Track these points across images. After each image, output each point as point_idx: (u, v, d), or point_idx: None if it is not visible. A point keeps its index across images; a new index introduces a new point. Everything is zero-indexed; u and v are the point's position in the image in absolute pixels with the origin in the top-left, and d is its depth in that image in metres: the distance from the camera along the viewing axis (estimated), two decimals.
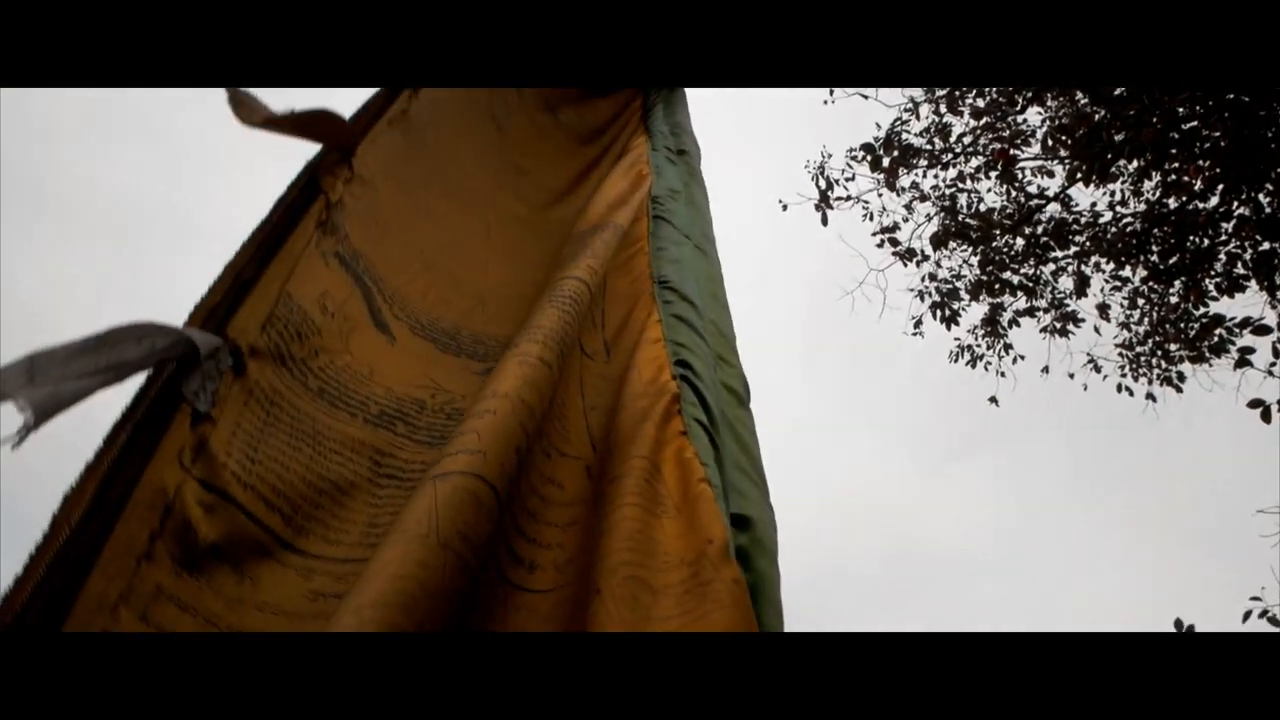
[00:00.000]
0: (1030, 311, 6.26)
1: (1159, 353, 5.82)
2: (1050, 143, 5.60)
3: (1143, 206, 5.45)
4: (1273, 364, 4.45)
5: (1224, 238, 4.91)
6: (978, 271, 6.17)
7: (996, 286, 6.11)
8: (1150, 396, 5.87)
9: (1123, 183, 5.58)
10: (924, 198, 6.40)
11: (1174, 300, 5.57)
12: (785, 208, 6.45)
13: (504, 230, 1.47)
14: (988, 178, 6.13)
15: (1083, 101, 5.06)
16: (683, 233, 1.43)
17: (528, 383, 0.82)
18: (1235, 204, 4.73)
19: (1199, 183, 4.74)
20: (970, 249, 6.16)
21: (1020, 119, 5.90)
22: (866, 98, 6.25)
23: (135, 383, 0.73)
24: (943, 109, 6.15)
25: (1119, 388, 5.99)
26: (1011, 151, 5.80)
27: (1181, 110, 4.43)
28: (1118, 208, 5.64)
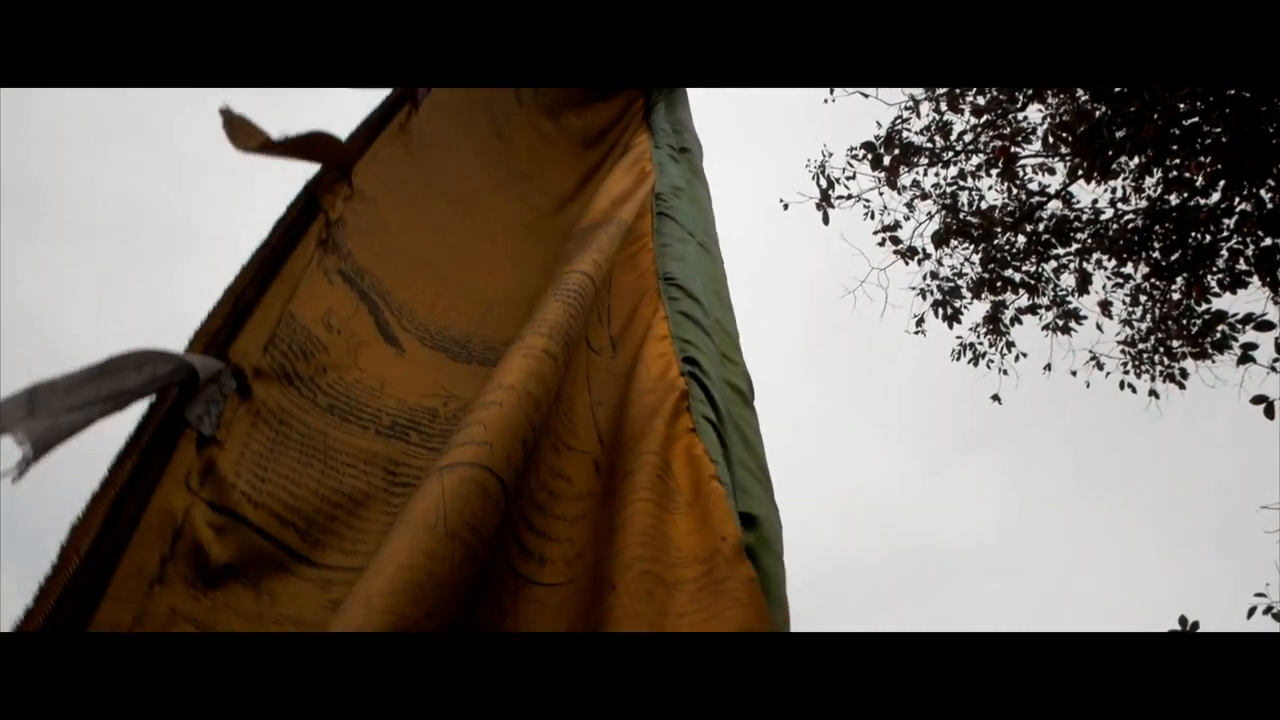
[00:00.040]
0: (1032, 309, 6.26)
1: (1161, 349, 5.81)
2: (1051, 140, 5.60)
3: (1144, 203, 5.44)
4: (1275, 360, 4.45)
5: (1226, 234, 4.91)
6: (979, 269, 6.17)
7: (998, 284, 6.11)
8: (1153, 393, 5.87)
9: (1124, 179, 5.58)
10: (925, 196, 6.40)
11: (1176, 297, 5.57)
12: (786, 207, 6.46)
13: (510, 237, 1.48)
14: (989, 175, 6.13)
15: (1083, 98, 5.05)
16: (687, 230, 1.43)
17: (533, 375, 0.82)
18: (1237, 200, 4.72)
19: (1200, 179, 4.74)
20: (972, 247, 6.16)
21: (1021, 116, 5.90)
22: (867, 96, 6.26)
23: (139, 409, 0.74)
24: (943, 107, 6.15)
25: (1121, 385, 5.99)
26: (1012, 149, 5.80)
27: (1182, 106, 4.43)
28: (1119, 204, 5.64)
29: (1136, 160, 5.09)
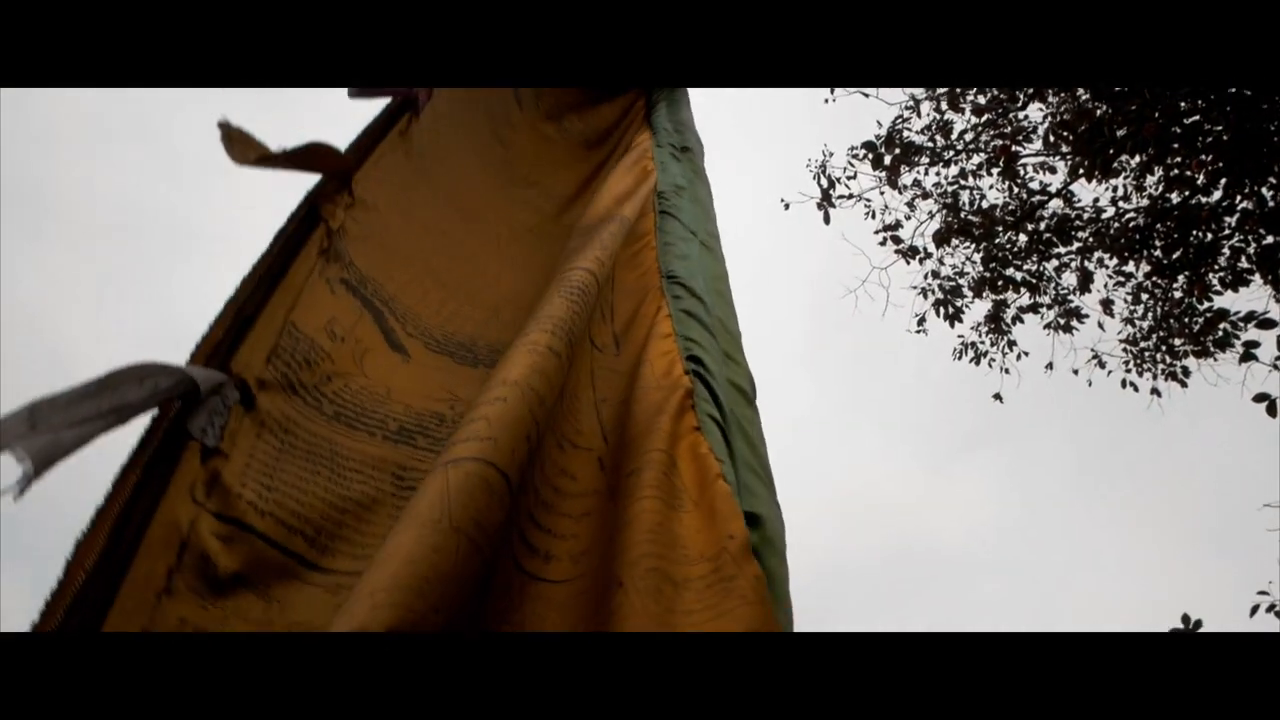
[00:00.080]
0: (1034, 308, 6.26)
1: (1163, 348, 5.80)
2: (1052, 139, 5.60)
3: (1145, 201, 5.44)
4: (1278, 358, 4.44)
5: (1227, 232, 4.90)
6: (980, 268, 6.17)
7: (999, 283, 6.11)
8: (1155, 392, 5.86)
9: (1125, 178, 5.57)
10: (926, 195, 6.40)
11: (1178, 295, 5.56)
12: (787, 207, 6.46)
13: (515, 241, 1.48)
14: (989, 174, 6.13)
15: (1084, 97, 5.05)
16: (689, 229, 1.43)
17: (537, 371, 0.82)
18: (1238, 198, 4.72)
19: (1202, 177, 4.73)
20: (973, 246, 6.16)
21: (1021, 115, 5.90)
22: (867, 96, 6.26)
23: (142, 423, 0.74)
24: (944, 106, 6.15)
25: (1123, 383, 5.98)
26: (1013, 148, 5.80)
27: (1183, 105, 4.43)
28: (1120, 203, 5.63)
29: (1137, 159, 5.08)
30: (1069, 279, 6.13)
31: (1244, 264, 4.91)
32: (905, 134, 6.25)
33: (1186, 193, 4.92)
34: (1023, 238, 6.02)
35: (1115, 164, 5.09)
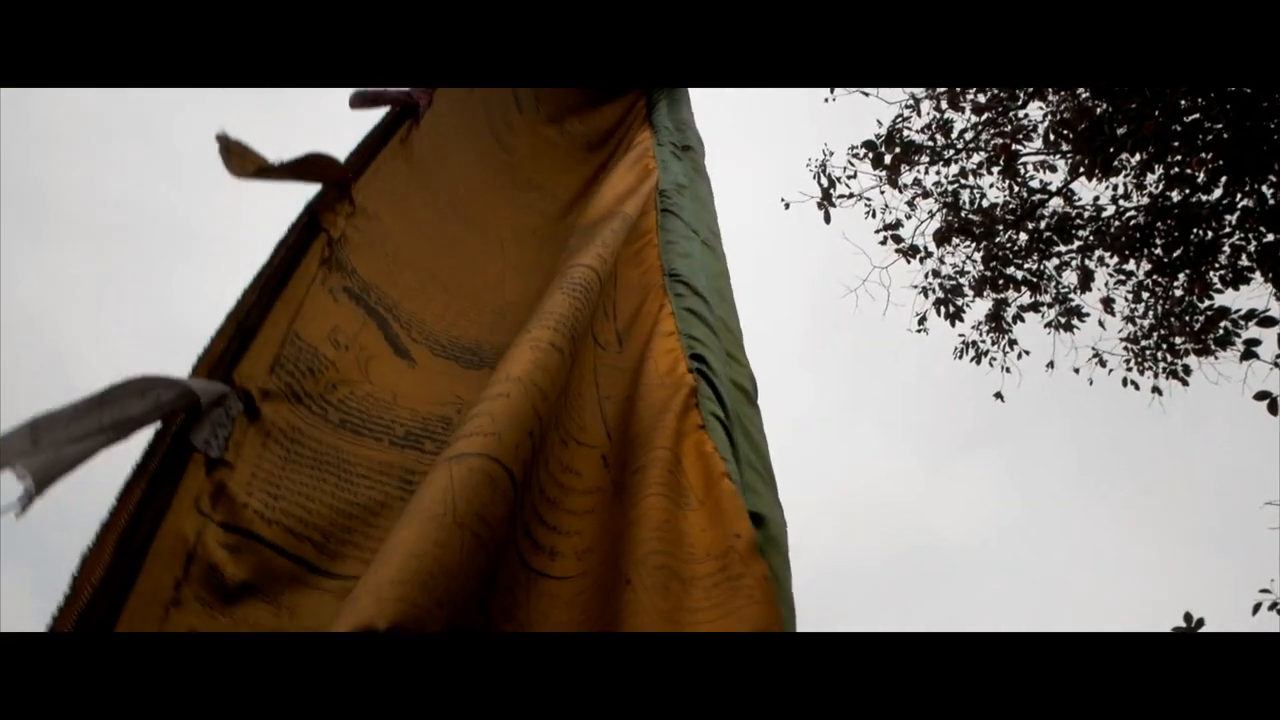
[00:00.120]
0: (1034, 307, 6.26)
1: (1164, 346, 5.80)
2: (1052, 137, 5.60)
3: (1146, 200, 5.43)
4: (1279, 356, 4.44)
5: (1228, 230, 4.90)
6: (981, 267, 6.17)
7: (1000, 282, 6.11)
8: (1156, 390, 5.86)
9: (1125, 176, 5.57)
10: (926, 194, 6.40)
11: (1178, 293, 5.56)
12: (788, 206, 6.46)
13: (519, 245, 1.49)
14: (990, 173, 6.13)
15: (1084, 95, 5.05)
16: (691, 227, 1.43)
17: (540, 367, 0.82)
18: (1239, 196, 4.71)
19: (1202, 175, 4.73)
20: (973, 245, 6.16)
21: (1022, 114, 5.90)
22: (867, 95, 6.25)
23: (145, 436, 0.74)
24: (944, 105, 6.15)
25: (1124, 382, 5.98)
26: (1013, 147, 5.80)
27: (1183, 103, 4.43)
28: (1120, 201, 5.63)
29: (1138, 157, 5.08)
30: (1070, 277, 6.14)
31: (1245, 262, 4.91)
32: (905, 133, 6.25)
33: (1187, 191, 4.92)
34: (1023, 236, 6.02)
35: (1115, 162, 5.09)
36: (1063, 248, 5.93)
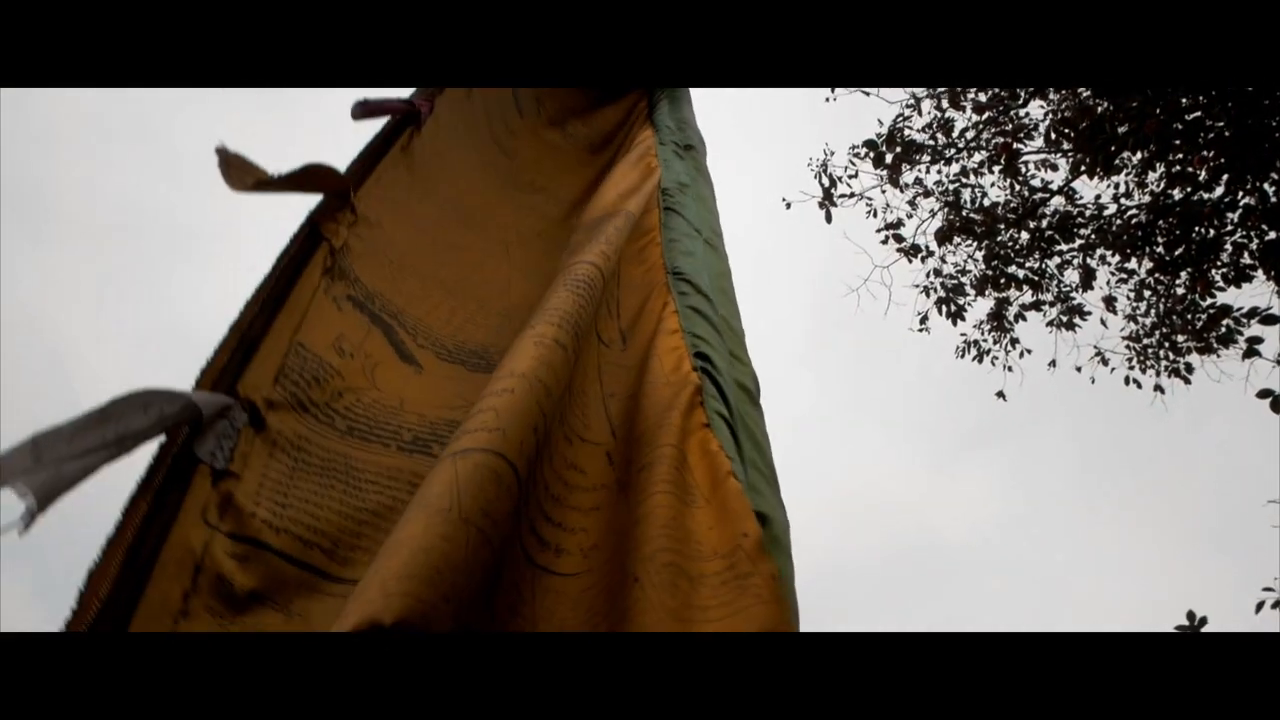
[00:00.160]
0: (1036, 305, 6.25)
1: (1166, 344, 5.80)
2: (1053, 136, 5.59)
3: (1147, 198, 5.43)
4: None
5: (1230, 228, 4.90)
6: (983, 266, 6.16)
7: (1002, 281, 6.10)
8: (1158, 388, 5.86)
9: (1127, 175, 5.57)
10: (928, 193, 6.40)
11: (1180, 291, 5.55)
12: (789, 206, 6.45)
13: (524, 248, 1.49)
14: (991, 172, 6.12)
15: (1085, 94, 5.04)
16: (693, 226, 1.43)
17: (544, 364, 0.82)
18: (1240, 194, 4.71)
19: (1204, 173, 4.72)
20: (975, 244, 6.15)
21: (1023, 113, 5.89)
22: (868, 94, 6.25)
23: (150, 449, 0.75)
24: (945, 104, 6.14)
25: (1127, 380, 5.98)
26: (1014, 145, 5.79)
27: (1185, 101, 4.42)
28: (1122, 200, 5.62)
29: (1139, 155, 5.08)
30: (1071, 276, 6.13)
31: (1247, 260, 4.90)
32: (906, 132, 6.25)
33: (1188, 189, 4.92)
34: (1025, 235, 6.01)
35: (1117, 161, 5.08)
36: (1064, 246, 5.92)
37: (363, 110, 1.23)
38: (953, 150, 6.19)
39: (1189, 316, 5.52)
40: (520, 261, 1.46)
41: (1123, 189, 5.62)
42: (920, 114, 6.29)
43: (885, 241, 6.51)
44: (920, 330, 6.55)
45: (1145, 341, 5.94)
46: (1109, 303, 6.09)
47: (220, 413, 0.80)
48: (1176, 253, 5.11)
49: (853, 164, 6.35)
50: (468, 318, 1.26)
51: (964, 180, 6.23)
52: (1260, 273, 4.81)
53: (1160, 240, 5.20)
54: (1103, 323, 6.17)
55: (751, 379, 1.19)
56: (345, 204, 1.08)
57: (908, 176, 6.34)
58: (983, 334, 6.45)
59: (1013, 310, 6.30)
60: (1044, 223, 5.91)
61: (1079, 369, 6.34)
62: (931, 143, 6.23)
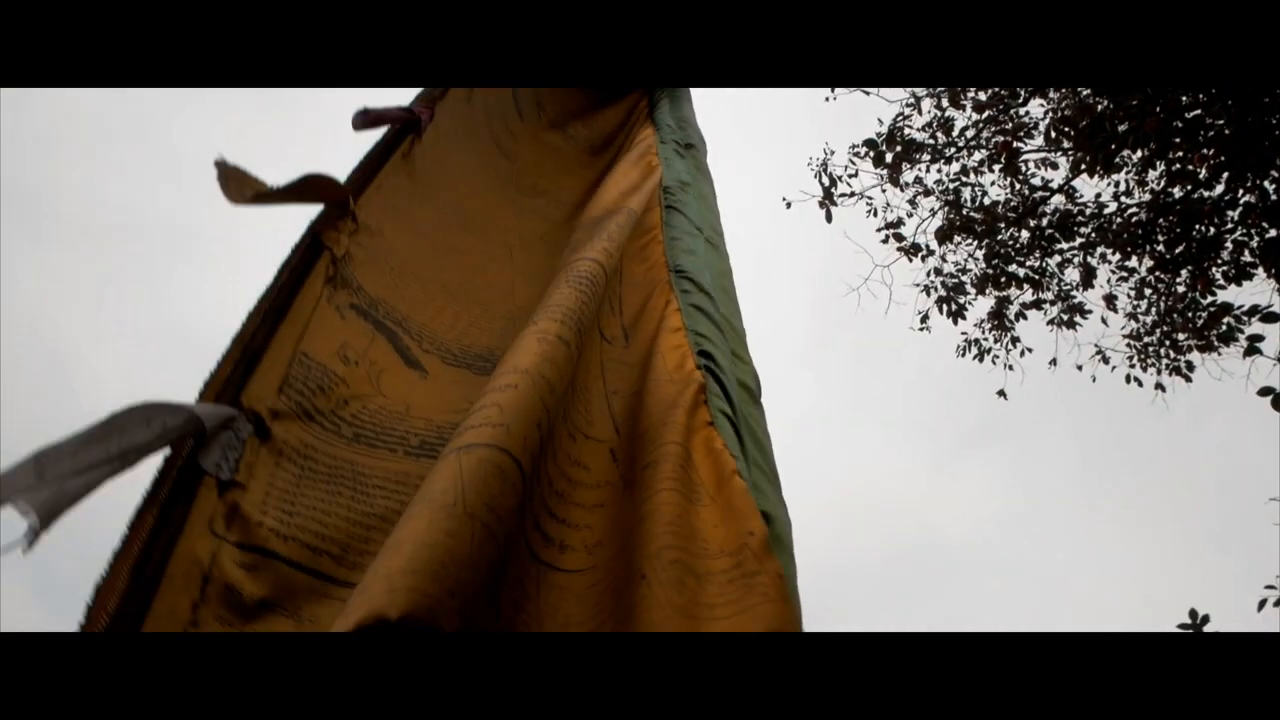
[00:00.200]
0: (1037, 304, 6.25)
1: (1167, 342, 5.80)
2: (1053, 134, 5.59)
3: (1148, 196, 5.43)
4: None
5: (1230, 226, 4.90)
6: (983, 265, 6.17)
7: (1002, 280, 6.10)
8: (1159, 386, 5.86)
9: (1127, 173, 5.56)
10: (928, 192, 6.40)
11: (1181, 289, 5.55)
12: (789, 205, 6.45)
13: (527, 250, 1.50)
14: (991, 171, 6.12)
15: (1085, 93, 5.04)
16: (695, 224, 1.43)
17: (547, 360, 0.82)
18: (1241, 191, 4.71)
19: (1204, 171, 4.72)
20: (975, 243, 6.15)
21: (1023, 111, 5.89)
22: (868, 94, 6.25)
23: (155, 462, 0.75)
24: (944, 103, 6.14)
25: (1128, 378, 5.98)
26: (1014, 144, 5.79)
27: (1185, 99, 4.42)
28: (1122, 198, 5.62)
29: (1139, 153, 5.07)
30: (1072, 275, 6.13)
31: (1247, 258, 4.90)
32: (906, 131, 6.25)
33: (1189, 187, 4.92)
34: (1025, 234, 6.01)
35: (1117, 159, 5.08)
36: (1065, 245, 5.92)
37: (364, 120, 1.23)
38: (953, 149, 6.19)
39: (1190, 314, 5.52)
40: (523, 265, 1.46)
41: (1123, 187, 5.62)
42: (920, 113, 6.29)
43: (885, 241, 6.52)
44: (921, 329, 6.56)
45: (1146, 340, 5.94)
46: (1110, 301, 6.09)
47: (224, 424, 0.80)
48: (1177, 251, 5.11)
49: (853, 163, 6.36)
50: (472, 321, 1.27)
51: (964, 179, 6.23)
52: (1261, 270, 4.81)
53: (1161, 238, 5.20)
54: (1103, 321, 6.17)
55: (753, 378, 1.19)
56: (346, 213, 1.09)
57: (908, 175, 6.35)
58: (983, 333, 6.45)
59: (1013, 309, 6.30)
60: (1044, 221, 5.91)
61: (1080, 367, 6.35)
62: (931, 142, 6.24)
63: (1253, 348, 4.46)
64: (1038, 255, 6.02)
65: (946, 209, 6.28)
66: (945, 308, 6.26)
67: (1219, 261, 5.05)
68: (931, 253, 6.41)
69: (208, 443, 0.78)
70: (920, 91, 6.24)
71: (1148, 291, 5.92)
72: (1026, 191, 5.99)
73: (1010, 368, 6.38)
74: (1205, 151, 4.59)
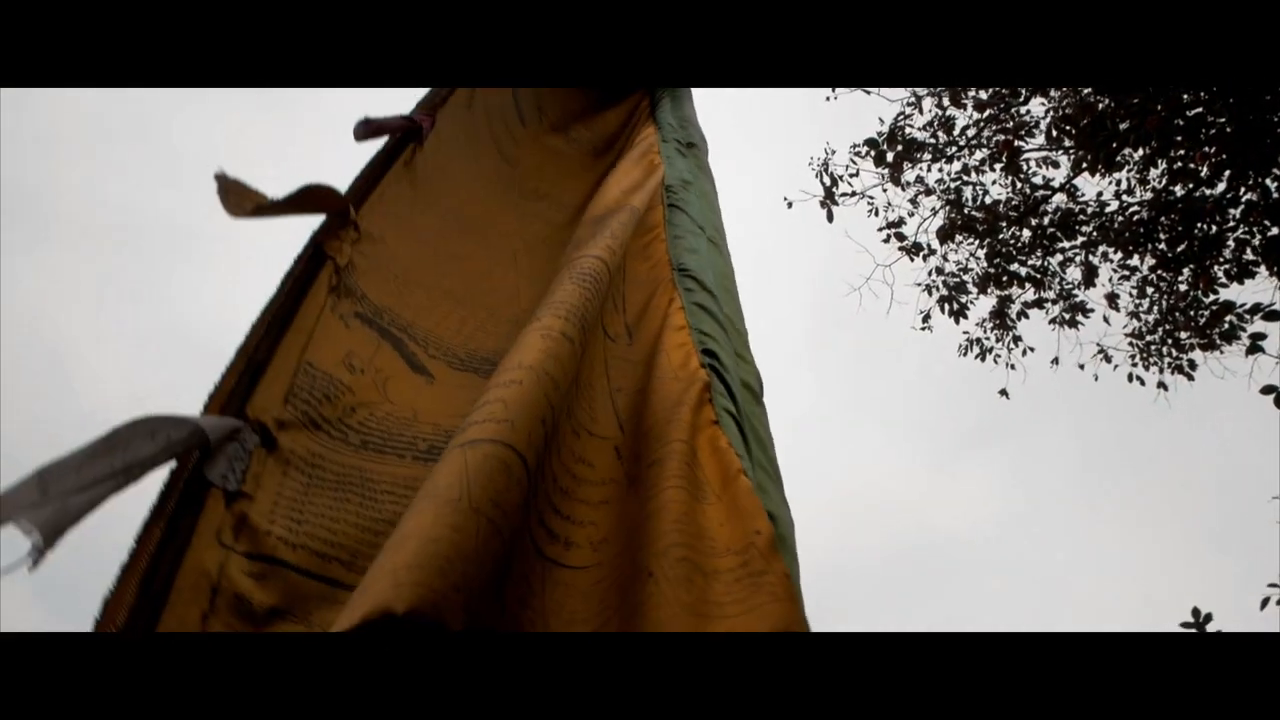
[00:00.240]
0: (1039, 303, 6.25)
1: (1169, 341, 5.79)
2: (1054, 133, 5.58)
3: (1149, 195, 5.42)
4: None
5: (1232, 224, 4.89)
6: (985, 264, 6.16)
7: (1004, 279, 6.10)
8: (1161, 385, 5.85)
9: (1128, 171, 5.56)
10: (929, 192, 6.40)
11: (1183, 288, 5.55)
12: (790, 205, 6.45)
13: (530, 255, 1.50)
14: (992, 170, 6.12)
15: (1086, 91, 5.04)
16: (697, 223, 1.43)
17: (551, 356, 0.82)
18: (1243, 189, 4.70)
19: (1205, 169, 4.72)
20: (977, 242, 6.15)
21: (1024, 110, 5.89)
22: (869, 93, 6.24)
23: (161, 475, 0.75)
24: (945, 102, 6.14)
25: (1130, 377, 5.97)
26: (1015, 143, 5.79)
27: (1186, 97, 4.42)
28: (1124, 196, 5.62)
29: (1141, 152, 5.07)
30: (1073, 274, 6.13)
31: (1249, 256, 4.90)
32: (907, 130, 6.25)
33: (1190, 185, 4.91)
34: (1026, 233, 6.01)
35: (1118, 157, 5.08)
36: (1066, 244, 5.92)
37: (365, 130, 1.24)
38: (954, 148, 6.19)
39: (1192, 313, 5.52)
40: (528, 269, 1.46)
41: (1124, 186, 5.62)
42: (921, 112, 6.29)
43: (887, 240, 6.52)
44: (923, 329, 6.56)
45: (1148, 338, 5.94)
46: (1111, 300, 6.08)
47: (229, 436, 0.81)
48: (1179, 249, 5.10)
49: (854, 163, 6.35)
50: (478, 326, 1.27)
51: (965, 178, 6.23)
52: (1263, 268, 4.81)
53: (1162, 237, 5.20)
54: (1105, 320, 6.17)
55: (755, 378, 1.19)
56: (348, 222, 1.09)
57: (909, 175, 6.35)
58: (985, 332, 6.45)
59: (1015, 308, 6.30)
60: (1046, 220, 5.91)
61: (1082, 366, 6.34)
62: (933, 141, 6.23)
63: (1255, 346, 4.46)
64: (1039, 254, 6.02)
65: (948, 208, 6.28)
66: (947, 307, 6.26)
67: (1221, 260, 5.05)
68: (933, 252, 6.41)
69: (213, 455, 0.79)
70: (921, 91, 6.24)
71: (1150, 290, 5.92)
72: (1028, 190, 5.99)
73: (1012, 367, 6.39)
74: (1207, 149, 4.59)
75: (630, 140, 1.89)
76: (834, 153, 6.35)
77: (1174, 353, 5.77)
